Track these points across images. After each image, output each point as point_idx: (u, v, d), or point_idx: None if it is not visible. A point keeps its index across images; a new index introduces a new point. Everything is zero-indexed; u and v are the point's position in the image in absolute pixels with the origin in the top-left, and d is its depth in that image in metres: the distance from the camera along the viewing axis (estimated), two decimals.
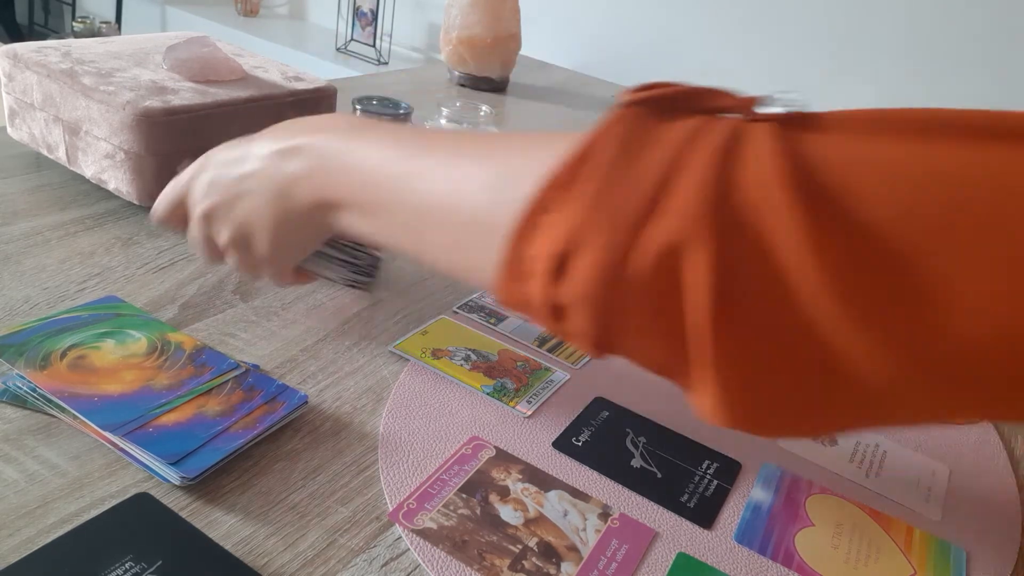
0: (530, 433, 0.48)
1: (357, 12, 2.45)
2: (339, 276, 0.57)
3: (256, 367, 0.49)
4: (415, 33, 2.47)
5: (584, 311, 0.30)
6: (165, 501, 0.39)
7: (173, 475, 0.39)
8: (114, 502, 0.38)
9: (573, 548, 0.40)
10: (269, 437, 0.44)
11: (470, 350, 0.55)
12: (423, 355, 0.54)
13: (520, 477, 0.45)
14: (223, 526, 0.38)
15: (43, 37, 3.30)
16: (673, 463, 0.48)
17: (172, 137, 0.61)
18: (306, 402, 0.46)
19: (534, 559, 0.39)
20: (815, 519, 0.46)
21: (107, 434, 0.41)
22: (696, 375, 0.30)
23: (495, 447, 0.47)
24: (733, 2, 1.81)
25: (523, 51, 1.30)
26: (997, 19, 1.53)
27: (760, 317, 0.27)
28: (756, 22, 1.79)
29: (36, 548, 0.35)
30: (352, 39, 2.47)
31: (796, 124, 0.29)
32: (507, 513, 0.42)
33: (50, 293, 0.54)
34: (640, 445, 0.49)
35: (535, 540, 0.40)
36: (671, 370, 0.31)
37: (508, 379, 0.53)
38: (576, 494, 0.44)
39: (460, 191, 0.36)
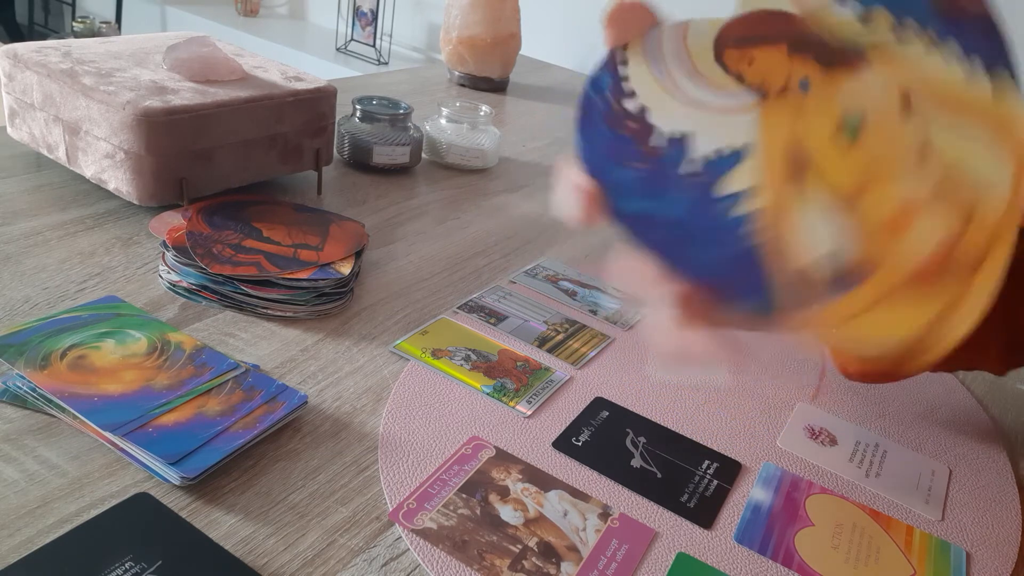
0: (530, 433, 0.48)
1: (357, 12, 2.45)
2: None
3: (256, 367, 0.49)
4: (415, 33, 2.47)
5: None
6: (165, 501, 0.39)
7: (173, 475, 0.39)
8: (114, 502, 0.38)
9: (573, 548, 0.40)
10: (269, 437, 0.44)
11: (470, 350, 0.55)
12: (423, 355, 0.54)
13: (520, 477, 0.45)
14: (223, 526, 0.38)
15: (43, 37, 3.30)
16: (673, 463, 0.48)
17: (172, 137, 0.61)
18: (306, 402, 0.46)
19: (534, 559, 0.39)
20: (815, 519, 0.46)
21: (107, 434, 0.41)
22: None
23: (495, 447, 0.47)
24: (733, 4, 1.81)
25: (523, 51, 1.30)
26: None
27: None
28: None
29: (36, 548, 0.35)
30: (352, 39, 2.47)
31: None
32: (507, 513, 0.42)
33: (50, 293, 0.54)
34: (640, 445, 0.49)
35: (535, 540, 0.40)
36: None
37: (508, 379, 0.53)
38: (576, 494, 0.44)
39: None
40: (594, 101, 0.29)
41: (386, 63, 2.39)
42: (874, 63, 0.25)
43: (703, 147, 0.27)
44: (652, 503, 0.45)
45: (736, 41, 0.27)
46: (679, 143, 0.28)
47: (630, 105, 0.28)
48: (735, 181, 0.27)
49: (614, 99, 0.29)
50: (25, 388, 0.43)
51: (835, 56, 0.25)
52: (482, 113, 0.92)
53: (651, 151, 0.28)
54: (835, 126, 0.25)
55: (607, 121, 0.29)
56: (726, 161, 0.27)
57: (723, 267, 0.28)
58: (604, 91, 0.29)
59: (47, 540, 0.35)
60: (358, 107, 0.84)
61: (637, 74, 0.28)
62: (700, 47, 0.28)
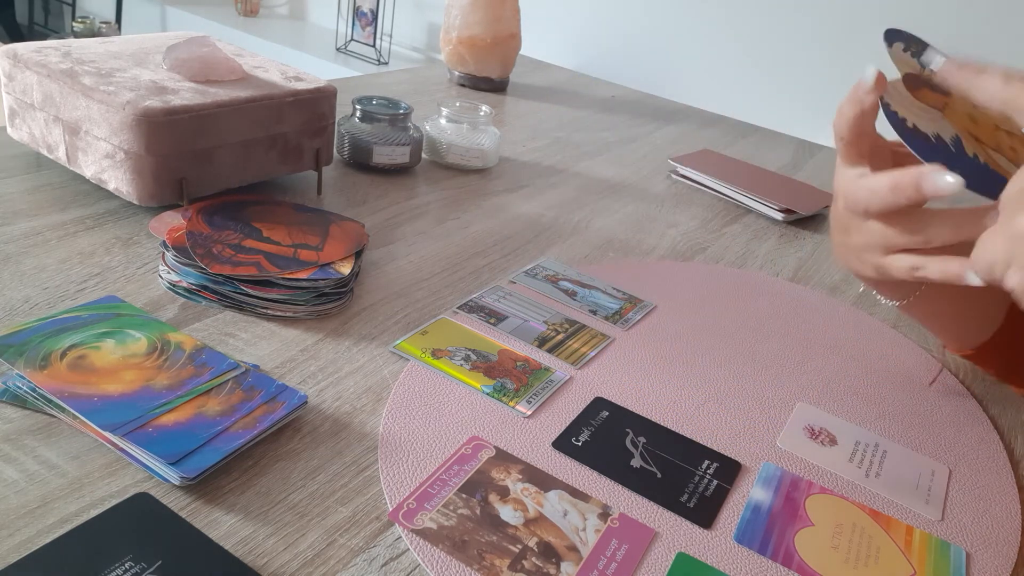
0: (530, 433, 0.48)
1: (357, 12, 2.45)
2: None
3: (256, 367, 0.49)
4: (415, 33, 2.47)
5: None
6: (165, 501, 0.39)
7: (173, 475, 0.39)
8: (114, 502, 0.38)
9: (573, 548, 0.40)
10: (269, 437, 0.44)
11: (470, 350, 0.55)
12: (423, 355, 0.54)
13: (520, 477, 0.45)
14: (223, 526, 0.38)
15: (43, 37, 3.30)
16: (673, 463, 0.48)
17: (172, 137, 0.61)
18: (306, 402, 0.46)
19: (534, 559, 0.39)
20: (815, 519, 0.46)
21: (107, 434, 0.41)
22: None
23: (495, 447, 0.47)
24: (734, 3, 1.81)
25: (523, 51, 1.30)
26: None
27: None
28: (756, 22, 1.79)
29: (36, 548, 0.35)
30: (352, 39, 2.47)
31: None
32: (507, 513, 0.42)
33: (50, 293, 0.54)
34: (640, 445, 0.49)
35: (535, 540, 0.40)
36: None
37: (508, 379, 0.53)
38: (576, 494, 0.44)
39: None
40: (900, 128, 0.45)
41: (386, 63, 2.39)
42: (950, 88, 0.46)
43: (945, 136, 0.45)
44: (652, 503, 0.45)
45: (910, 88, 0.46)
46: (939, 138, 0.45)
47: (909, 123, 0.45)
48: (966, 148, 0.46)
49: (904, 120, 0.45)
50: (25, 388, 0.43)
51: (942, 88, 0.45)
52: (482, 113, 0.92)
53: (931, 142, 0.45)
54: (969, 115, 0.47)
55: (905, 132, 0.44)
56: (955, 142, 0.45)
57: (990, 186, 0.44)
58: (898, 121, 0.45)
59: (47, 540, 0.35)
60: (358, 107, 0.84)
61: (900, 109, 0.45)
62: (905, 93, 0.46)
